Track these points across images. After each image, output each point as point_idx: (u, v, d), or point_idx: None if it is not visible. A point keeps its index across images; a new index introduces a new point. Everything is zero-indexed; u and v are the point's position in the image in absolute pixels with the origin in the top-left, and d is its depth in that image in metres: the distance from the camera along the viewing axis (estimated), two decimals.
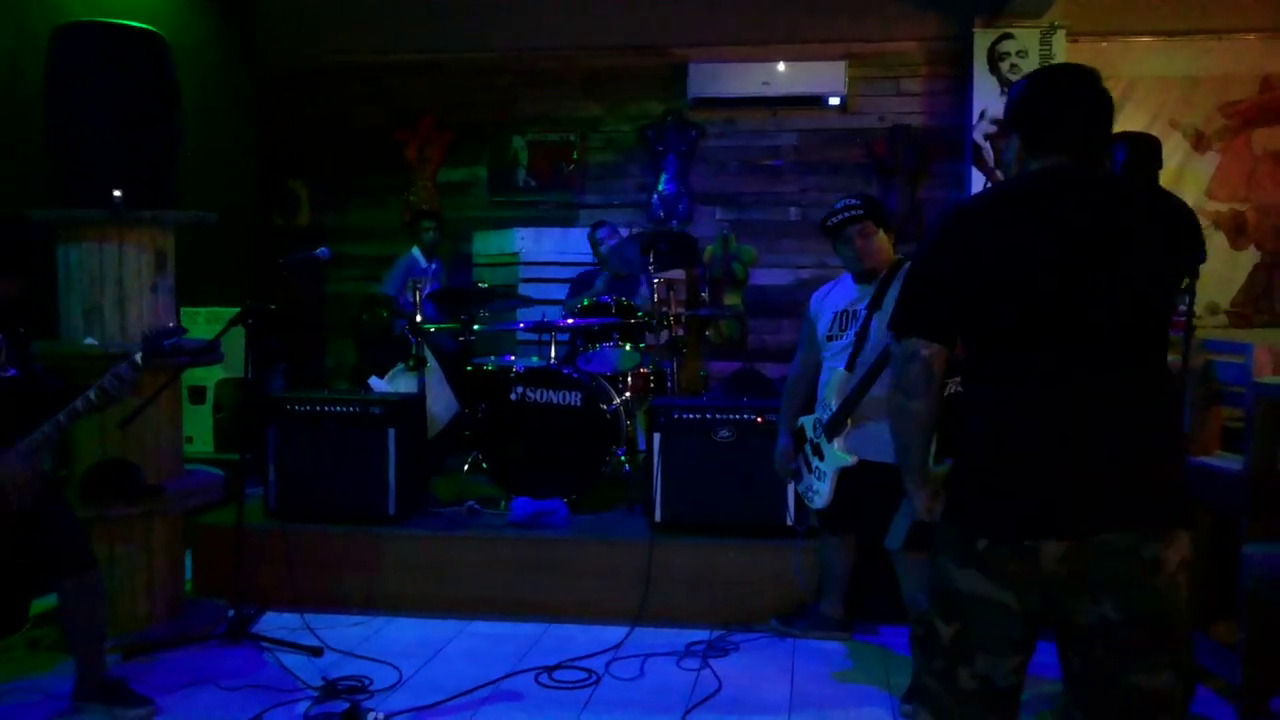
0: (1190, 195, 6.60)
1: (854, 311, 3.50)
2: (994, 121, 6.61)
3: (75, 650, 3.26)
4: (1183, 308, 3.13)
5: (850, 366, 3.41)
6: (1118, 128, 7.14)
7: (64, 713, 3.24)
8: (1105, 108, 2.01)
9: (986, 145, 6.64)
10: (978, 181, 6.66)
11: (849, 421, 3.39)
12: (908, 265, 3.44)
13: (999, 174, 6.62)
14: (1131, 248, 1.89)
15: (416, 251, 6.57)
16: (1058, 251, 1.88)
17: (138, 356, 3.17)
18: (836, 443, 3.41)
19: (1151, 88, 6.68)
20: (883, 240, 3.49)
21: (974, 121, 6.66)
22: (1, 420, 3.06)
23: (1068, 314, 1.87)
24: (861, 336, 3.41)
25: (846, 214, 3.47)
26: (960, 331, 1.97)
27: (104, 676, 3.28)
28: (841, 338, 3.50)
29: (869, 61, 7.00)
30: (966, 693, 1.92)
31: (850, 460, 3.38)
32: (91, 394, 3.11)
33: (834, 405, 3.42)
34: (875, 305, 3.43)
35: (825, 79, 6.94)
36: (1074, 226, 1.89)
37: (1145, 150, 6.08)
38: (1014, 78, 6.59)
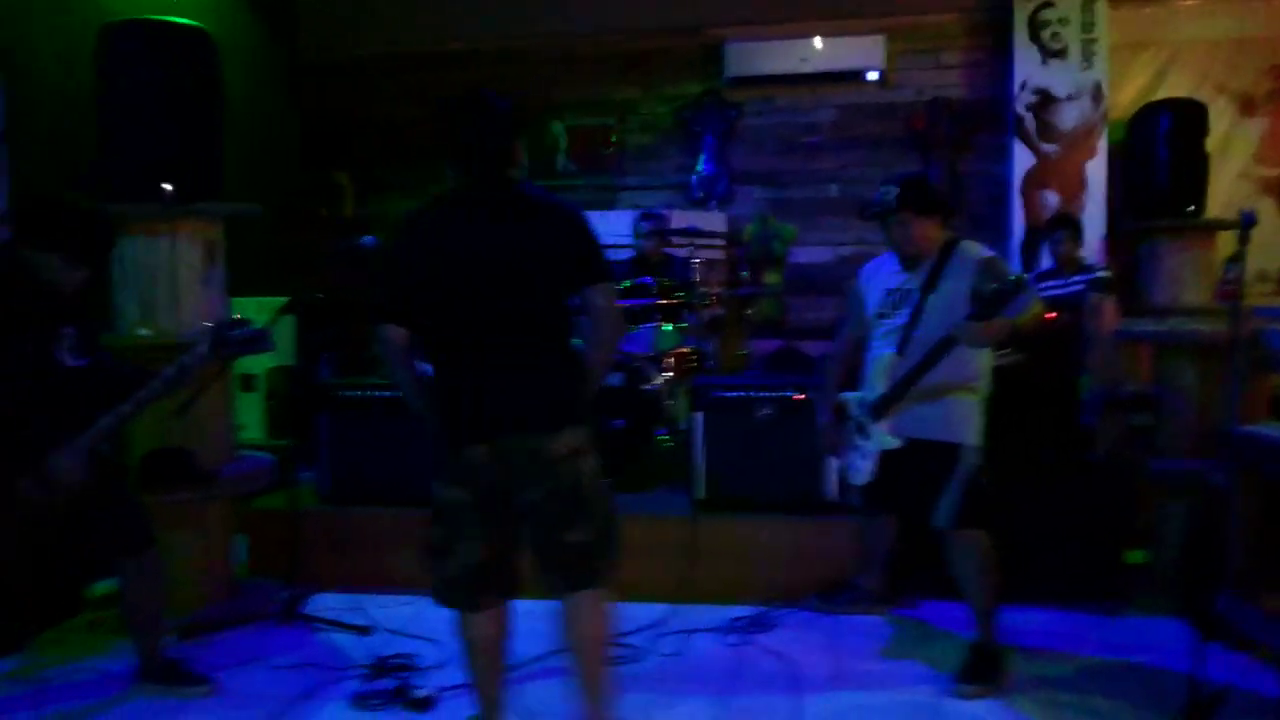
0: (1238, 161, 6.47)
1: (906, 291, 3.45)
2: (1036, 91, 6.53)
3: (134, 630, 3.38)
4: (1230, 275, 3.09)
5: (901, 350, 3.37)
6: (1164, 93, 7.02)
7: (126, 693, 3.36)
8: (491, 132, 2.68)
9: (1029, 116, 6.55)
10: (1020, 153, 6.57)
11: (897, 405, 3.37)
12: (960, 245, 3.42)
13: (1042, 146, 6.55)
14: (511, 254, 2.60)
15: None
16: (459, 258, 2.60)
17: (204, 347, 3.23)
18: (883, 424, 3.40)
19: (1196, 52, 6.53)
20: (924, 228, 3.40)
21: (1015, 93, 6.57)
22: (71, 409, 3.15)
23: (466, 306, 2.61)
24: (914, 318, 3.37)
25: (880, 208, 3.43)
26: (414, 317, 2.68)
27: (163, 657, 3.39)
28: (893, 317, 3.45)
29: (907, 34, 6.92)
30: (454, 578, 2.73)
31: (896, 443, 3.37)
32: (157, 384, 3.20)
33: (881, 387, 3.40)
34: (929, 287, 3.37)
35: (863, 54, 6.86)
36: (469, 239, 2.61)
37: (1189, 117, 6.00)
38: (1056, 47, 6.50)
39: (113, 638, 3.79)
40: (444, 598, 2.79)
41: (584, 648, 2.78)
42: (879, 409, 3.40)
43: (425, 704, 3.18)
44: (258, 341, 3.94)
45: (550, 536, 2.69)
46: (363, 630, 3.84)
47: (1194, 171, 5.92)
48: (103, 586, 4.17)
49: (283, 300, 4.12)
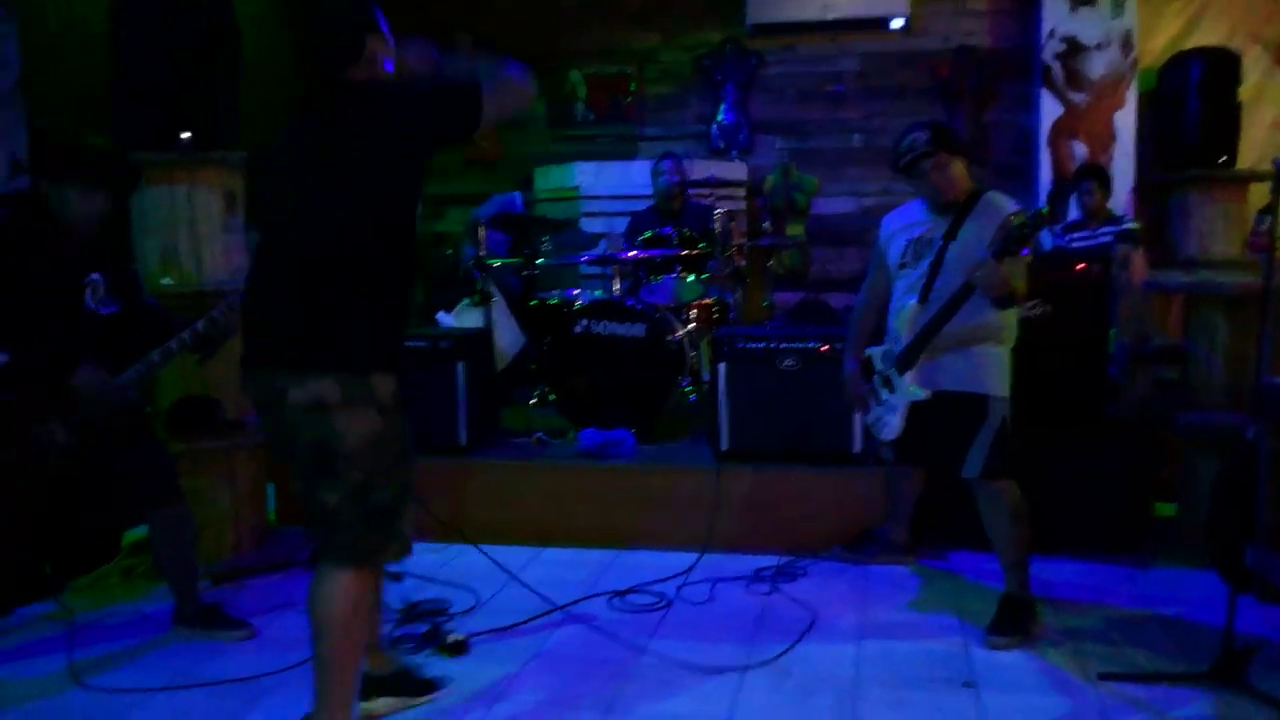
0: (1271, 110, 6.39)
1: (929, 240, 3.41)
2: (1064, 39, 6.42)
3: (168, 578, 3.41)
4: (1262, 226, 3.04)
5: (924, 299, 3.33)
6: (1196, 42, 6.92)
7: (164, 637, 3.39)
8: (322, 29, 2.42)
9: (1057, 65, 6.45)
10: (1048, 103, 6.48)
11: (922, 356, 3.34)
12: (986, 195, 3.38)
13: (1070, 95, 6.44)
14: (305, 158, 2.35)
15: (518, 196, 6.61)
16: (272, 162, 2.47)
17: (236, 299, 3.22)
18: (909, 376, 3.36)
19: None
20: (958, 168, 3.38)
21: (1043, 41, 6.47)
22: (101, 355, 3.14)
23: (270, 208, 2.45)
24: (936, 267, 3.33)
25: (915, 151, 3.36)
26: None
27: (200, 602, 3.42)
28: (915, 267, 3.42)
29: None
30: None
31: (924, 394, 3.33)
32: (187, 335, 3.20)
33: (905, 338, 3.36)
34: (951, 235, 3.34)
35: (888, 0, 6.76)
36: (284, 144, 2.43)
37: (1222, 66, 5.89)
38: None
39: (147, 583, 3.83)
40: None
41: (312, 628, 2.39)
42: (904, 361, 3.38)
43: (458, 648, 3.20)
44: None
45: (309, 491, 2.36)
46: (394, 576, 3.85)
47: (1226, 121, 5.82)
48: (137, 533, 4.20)
49: None
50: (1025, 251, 3.11)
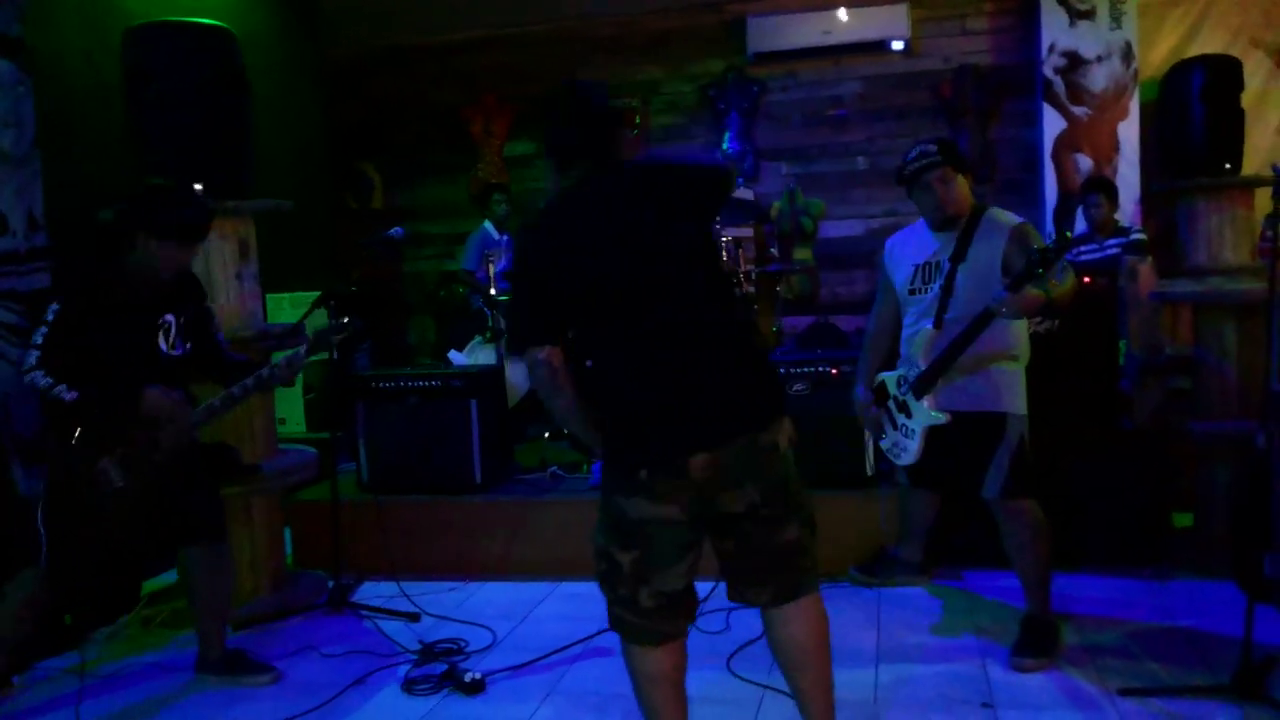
0: (1275, 115, 6.38)
1: (937, 264, 3.39)
2: (1064, 54, 6.44)
3: (199, 621, 3.43)
4: (1269, 232, 3.04)
5: (938, 324, 3.31)
6: (1197, 50, 6.89)
7: (190, 684, 3.42)
8: (599, 120, 2.44)
9: (1058, 79, 6.47)
10: (1050, 118, 6.50)
11: (940, 380, 3.32)
12: (988, 213, 3.37)
13: (1072, 109, 6.46)
14: (655, 222, 2.30)
15: (488, 225, 6.65)
16: (611, 242, 2.29)
17: (303, 350, 3.32)
18: (926, 401, 3.34)
19: (1231, 6, 6.42)
20: (962, 185, 3.36)
21: (1044, 56, 6.49)
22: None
23: (638, 289, 2.27)
24: (947, 290, 3.32)
25: (922, 161, 3.34)
26: (566, 328, 2.33)
27: (225, 648, 3.45)
28: (926, 292, 3.40)
29: (932, 2, 6.85)
30: (648, 610, 2.34)
31: (944, 419, 3.29)
32: (250, 382, 3.26)
33: (921, 363, 3.33)
34: (959, 257, 3.32)
35: (887, 23, 6.81)
36: (613, 220, 2.31)
37: (1224, 73, 5.89)
38: (1083, 8, 6.42)
39: (166, 633, 3.86)
40: (628, 632, 2.40)
41: (806, 660, 2.45)
42: (921, 385, 3.35)
43: (475, 687, 3.21)
44: (291, 336, 3.99)
45: (768, 540, 2.36)
46: (411, 617, 3.88)
47: (1230, 128, 5.81)
48: (154, 583, 4.25)
49: (316, 294, 4.14)
50: (1042, 285, 3.08)
